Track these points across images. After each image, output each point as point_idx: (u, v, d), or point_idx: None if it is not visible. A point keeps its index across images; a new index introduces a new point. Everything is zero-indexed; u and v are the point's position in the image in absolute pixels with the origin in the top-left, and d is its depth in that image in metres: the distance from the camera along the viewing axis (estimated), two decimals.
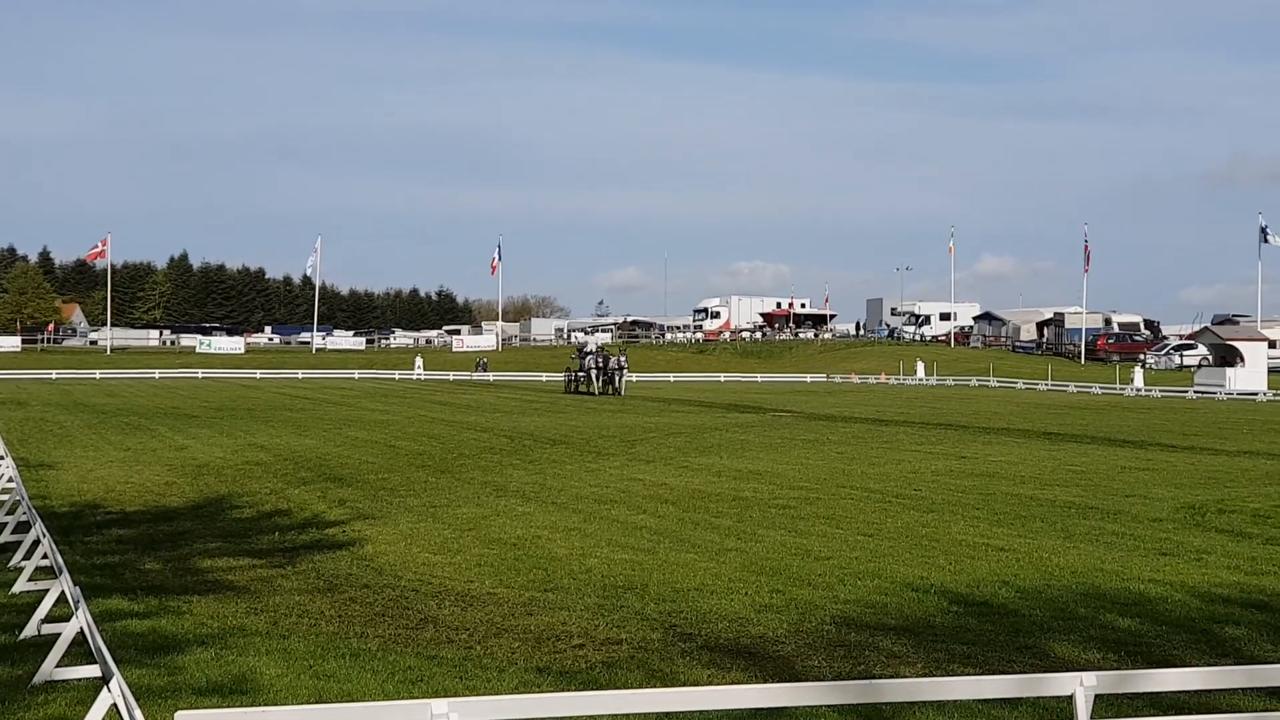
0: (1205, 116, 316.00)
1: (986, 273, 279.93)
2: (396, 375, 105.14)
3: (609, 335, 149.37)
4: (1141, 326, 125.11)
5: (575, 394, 74.55)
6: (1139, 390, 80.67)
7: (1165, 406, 65.52)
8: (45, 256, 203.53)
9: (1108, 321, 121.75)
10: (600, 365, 74.53)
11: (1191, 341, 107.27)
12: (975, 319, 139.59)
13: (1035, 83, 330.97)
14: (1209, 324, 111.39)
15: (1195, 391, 77.90)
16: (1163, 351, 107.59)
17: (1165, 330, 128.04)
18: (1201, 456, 34.73)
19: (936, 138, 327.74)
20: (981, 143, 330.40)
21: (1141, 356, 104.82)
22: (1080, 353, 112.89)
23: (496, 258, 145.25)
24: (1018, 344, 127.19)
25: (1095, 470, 30.60)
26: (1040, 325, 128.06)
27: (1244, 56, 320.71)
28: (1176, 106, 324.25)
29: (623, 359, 76.15)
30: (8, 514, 20.53)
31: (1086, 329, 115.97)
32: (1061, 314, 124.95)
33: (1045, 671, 11.29)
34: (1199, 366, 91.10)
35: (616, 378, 74.34)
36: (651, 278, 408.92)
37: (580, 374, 75.55)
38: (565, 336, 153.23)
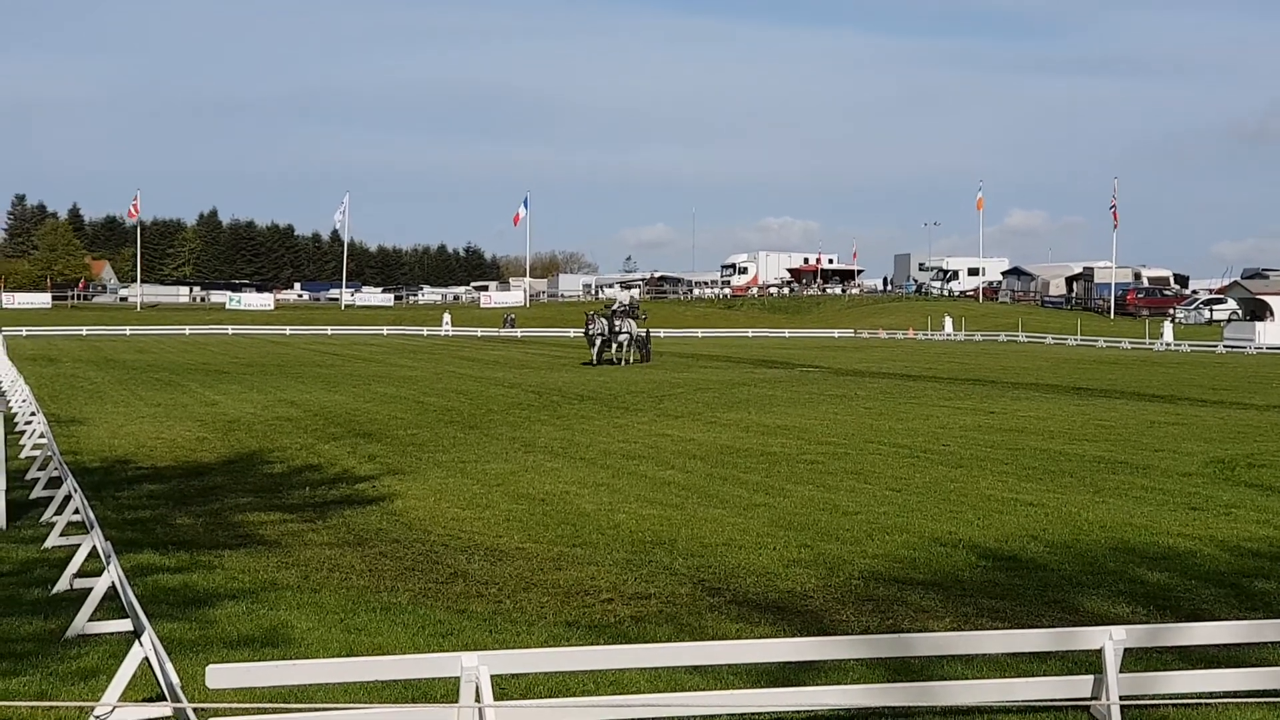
0: (1237, 71, 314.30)
1: (1015, 227, 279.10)
2: (425, 331, 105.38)
3: (636, 291, 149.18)
4: (1171, 281, 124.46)
5: (599, 364, 58.22)
6: (1168, 345, 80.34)
7: (1195, 361, 65.25)
8: (75, 214, 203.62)
9: (1137, 276, 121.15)
10: (608, 329, 59.19)
11: (1221, 296, 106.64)
12: (1004, 274, 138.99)
13: (1066, 37, 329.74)
14: (1239, 278, 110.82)
15: (1225, 346, 77.57)
16: (1192, 306, 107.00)
17: (1195, 285, 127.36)
18: (1231, 411, 34.61)
19: (966, 93, 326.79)
20: (1011, 97, 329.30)
21: (1171, 311, 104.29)
22: (1109, 307, 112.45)
23: (523, 209, 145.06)
24: (1046, 299, 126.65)
25: (1124, 425, 30.51)
26: (1069, 280, 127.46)
27: (1277, 11, 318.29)
28: (1208, 61, 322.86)
29: (622, 324, 59.78)
30: (39, 469, 20.64)
31: (1116, 284, 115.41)
32: (1091, 269, 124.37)
33: (1075, 626, 11.30)
34: (1228, 321, 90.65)
35: (618, 344, 59.54)
36: (680, 234, 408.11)
37: (598, 335, 59.09)
38: (594, 292, 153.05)
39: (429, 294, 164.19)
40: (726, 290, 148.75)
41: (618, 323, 59.53)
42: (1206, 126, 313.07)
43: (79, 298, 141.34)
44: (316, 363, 59.11)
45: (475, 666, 8.55)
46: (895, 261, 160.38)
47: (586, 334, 60.24)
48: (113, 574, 11.37)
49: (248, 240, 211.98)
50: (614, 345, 59.40)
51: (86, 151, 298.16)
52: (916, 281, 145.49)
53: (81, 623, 11.61)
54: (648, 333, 63.07)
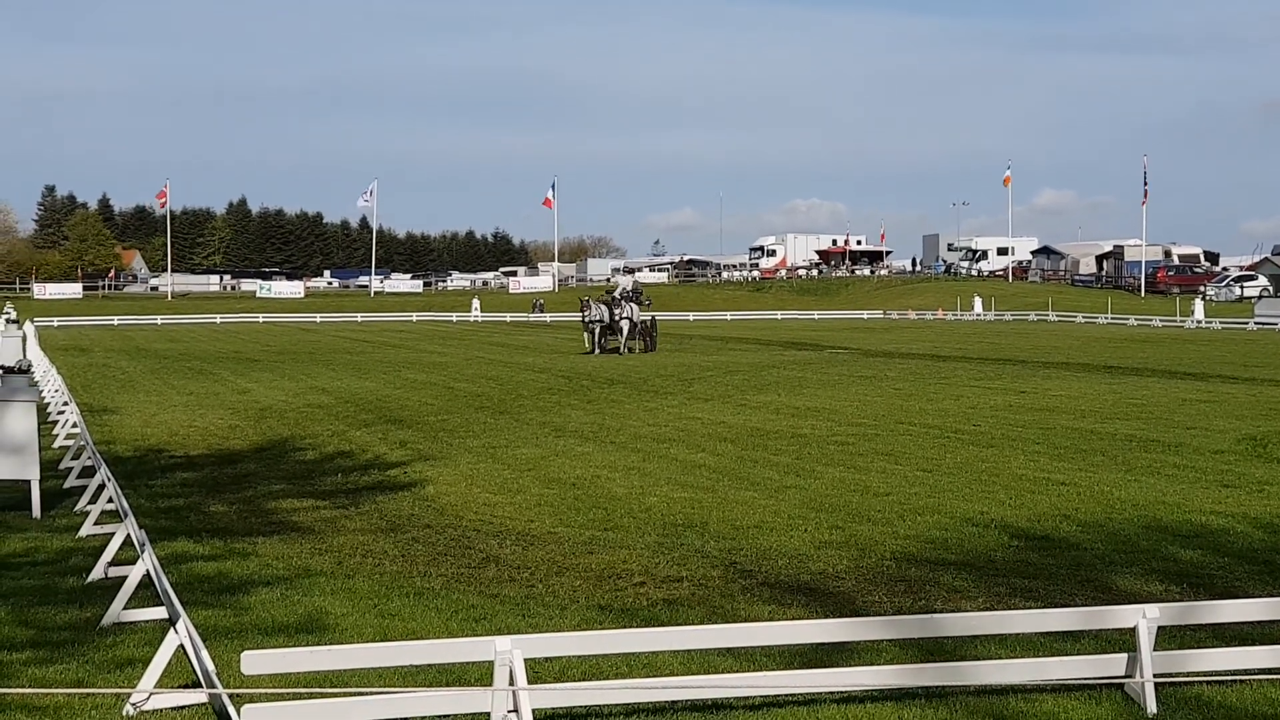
0: (1266, 46, 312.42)
1: (1045, 207, 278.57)
2: (454, 317, 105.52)
3: (664, 275, 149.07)
4: (1201, 258, 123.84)
5: (603, 352, 54.07)
6: (1199, 322, 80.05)
7: (1226, 338, 65.01)
8: (105, 204, 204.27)
9: (1167, 254, 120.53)
10: (606, 317, 54.79)
11: (1252, 273, 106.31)
12: (1033, 253, 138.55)
13: (1093, 14, 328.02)
14: (1269, 255, 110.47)
15: (1256, 323, 77.19)
16: (1223, 283, 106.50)
17: (1225, 262, 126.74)
18: (1263, 388, 34.47)
19: (994, 72, 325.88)
20: (1039, 76, 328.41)
21: (1201, 288, 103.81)
22: (1140, 285, 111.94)
23: (551, 194, 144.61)
24: (1076, 278, 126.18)
25: (1156, 403, 30.42)
26: (1099, 258, 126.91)
27: None
28: (1237, 36, 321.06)
29: (622, 311, 54.92)
30: (73, 459, 20.75)
31: (1146, 262, 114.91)
32: (1121, 247, 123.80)
33: (1107, 604, 11.28)
34: (1259, 298, 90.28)
35: (619, 332, 54.90)
36: (707, 217, 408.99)
37: (595, 323, 54.87)
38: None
39: (458, 280, 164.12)
40: (755, 273, 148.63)
41: (617, 309, 54.97)
42: (1236, 102, 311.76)
43: (110, 288, 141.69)
44: (347, 350, 59.25)
45: (509, 650, 8.58)
46: (924, 242, 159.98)
47: (583, 321, 56.37)
48: (147, 562, 11.43)
49: (277, 228, 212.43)
50: (615, 333, 54.95)
51: (115, 142, 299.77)
52: (945, 262, 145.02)
53: (117, 611, 11.67)
54: (653, 320, 58.38)
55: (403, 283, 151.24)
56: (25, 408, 17.48)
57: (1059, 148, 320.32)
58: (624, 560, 14.51)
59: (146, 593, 11.82)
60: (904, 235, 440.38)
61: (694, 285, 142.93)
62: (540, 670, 9.76)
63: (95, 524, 15.84)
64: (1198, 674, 9.78)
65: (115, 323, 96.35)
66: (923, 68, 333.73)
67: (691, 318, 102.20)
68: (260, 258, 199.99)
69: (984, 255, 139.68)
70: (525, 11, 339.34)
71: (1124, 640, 10.03)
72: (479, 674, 9.57)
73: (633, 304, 55.64)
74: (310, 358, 52.81)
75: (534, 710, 8.57)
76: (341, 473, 21.44)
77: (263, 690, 8.99)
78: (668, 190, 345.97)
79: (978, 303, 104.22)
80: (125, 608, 11.69)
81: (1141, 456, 21.85)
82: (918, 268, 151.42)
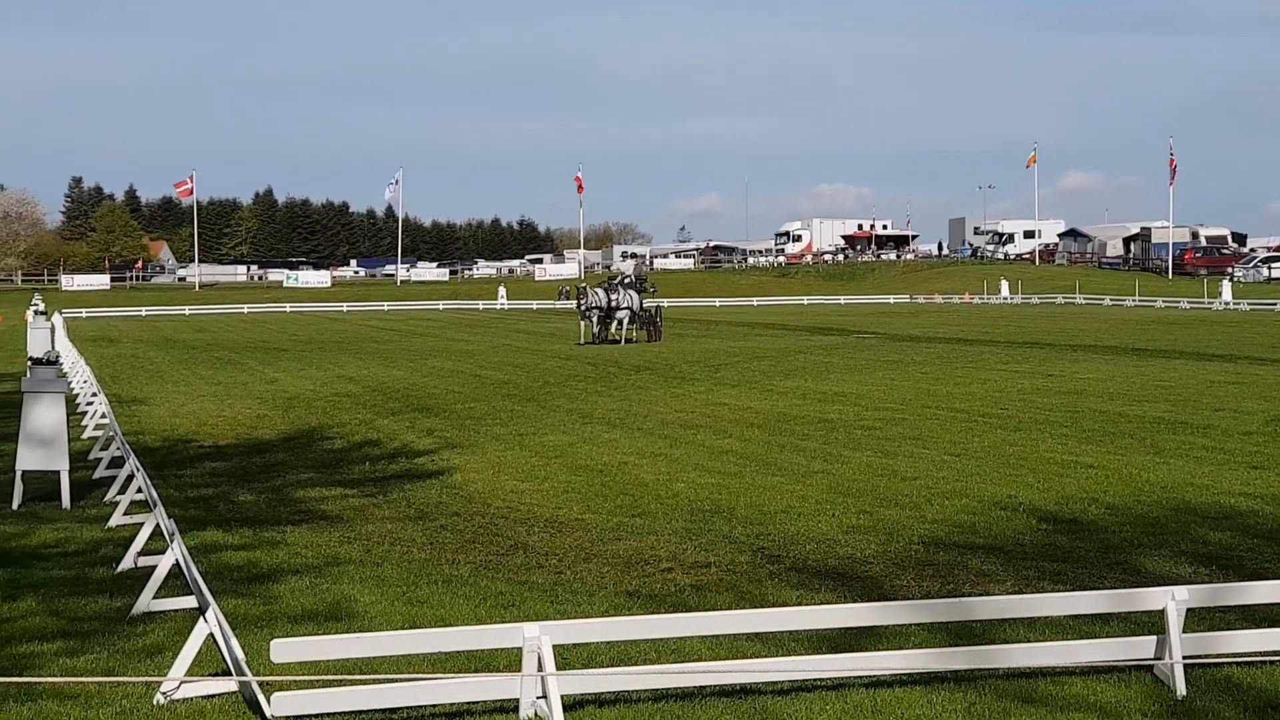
0: None
1: (1071, 189, 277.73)
2: (480, 305, 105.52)
3: (690, 261, 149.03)
4: (1229, 239, 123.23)
5: (596, 342, 51.98)
6: (1227, 304, 79.72)
7: (1254, 320, 64.72)
8: (132, 195, 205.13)
9: (1194, 235, 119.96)
10: (604, 303, 52.74)
11: (1279, 254, 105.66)
12: (1060, 236, 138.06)
13: None
14: None
15: None
16: (1250, 264, 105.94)
17: (1253, 243, 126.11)
18: None
19: (1019, 54, 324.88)
20: (1065, 57, 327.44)
21: (1229, 270, 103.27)
22: (1167, 267, 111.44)
23: (579, 177, 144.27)
24: (1104, 260, 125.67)
25: (1184, 385, 30.32)
26: (1126, 241, 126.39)
27: None
28: (1265, 16, 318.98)
29: (620, 298, 53.25)
30: (102, 449, 20.83)
31: (1173, 243, 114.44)
32: (1148, 229, 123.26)
33: (1136, 587, 11.25)
34: None
35: (617, 322, 53.25)
36: (733, 203, 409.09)
37: (593, 309, 52.56)
38: (649, 263, 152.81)
39: (484, 268, 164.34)
40: (781, 258, 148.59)
41: (615, 296, 52.97)
42: (1262, 82, 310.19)
43: (137, 279, 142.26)
44: (374, 339, 59.34)
45: (537, 637, 8.60)
46: (950, 226, 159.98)
47: (579, 308, 53.37)
48: (176, 552, 11.47)
49: (303, 218, 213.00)
50: (613, 322, 53.06)
51: (142, 133, 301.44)
52: (971, 245, 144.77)
53: (147, 600, 11.72)
54: (657, 308, 56.30)
55: (429, 271, 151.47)
56: (54, 399, 17.55)
57: (1085, 130, 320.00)
58: (652, 546, 14.52)
59: (176, 582, 11.86)
60: (930, 219, 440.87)
61: (720, 271, 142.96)
62: (568, 656, 9.78)
63: (125, 514, 15.90)
64: (1227, 656, 9.76)
65: (143, 313, 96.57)
66: (948, 50, 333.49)
67: (718, 304, 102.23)
68: (287, 247, 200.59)
69: (1010, 238, 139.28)
70: None
71: (1153, 623, 10.01)
72: (507, 660, 9.59)
73: (633, 292, 54.13)
74: (337, 347, 52.89)
75: (562, 696, 8.59)
76: (369, 461, 21.49)
77: (292, 678, 9.02)
78: (693, 176, 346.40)
79: (1004, 286, 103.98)
80: (155, 597, 11.73)
81: (1170, 439, 21.79)
82: (944, 252, 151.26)
